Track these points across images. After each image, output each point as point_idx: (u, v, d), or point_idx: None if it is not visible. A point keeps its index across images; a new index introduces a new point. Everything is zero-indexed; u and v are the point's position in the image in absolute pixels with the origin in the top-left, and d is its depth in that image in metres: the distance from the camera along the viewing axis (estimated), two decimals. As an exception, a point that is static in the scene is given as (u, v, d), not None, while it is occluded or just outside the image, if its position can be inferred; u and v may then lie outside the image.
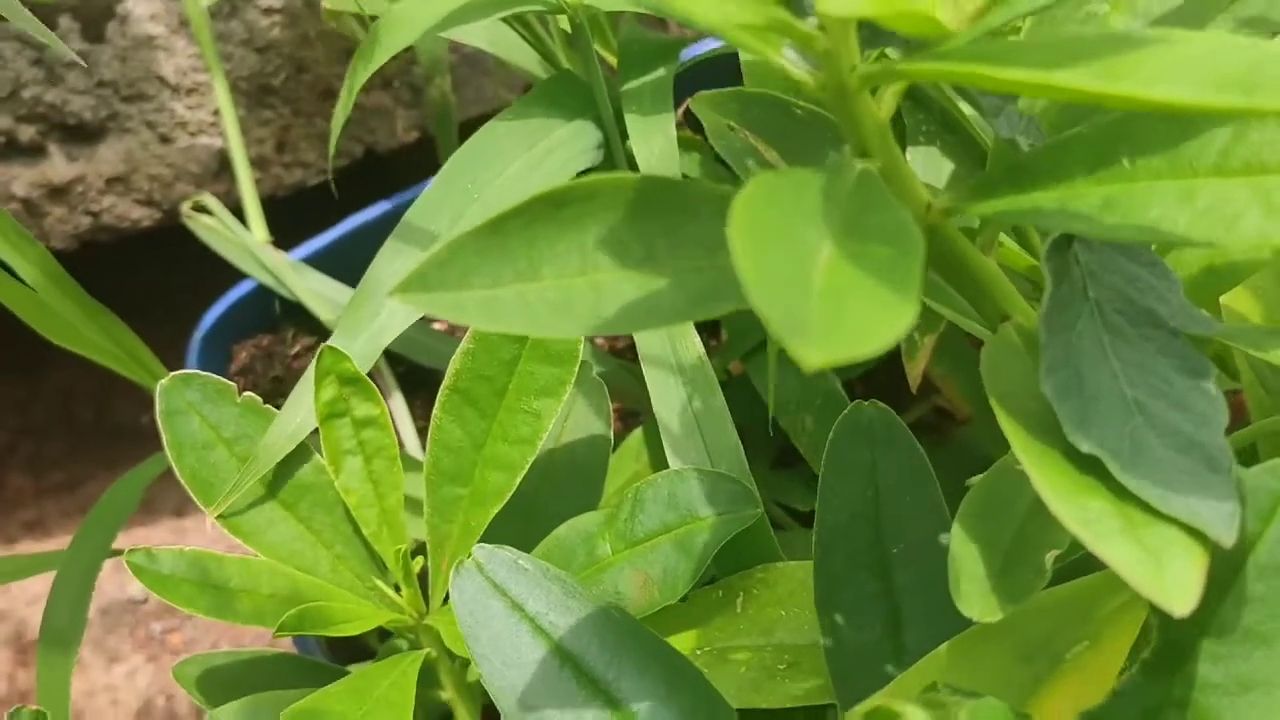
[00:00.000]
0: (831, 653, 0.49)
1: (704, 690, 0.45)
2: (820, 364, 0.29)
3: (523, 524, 0.58)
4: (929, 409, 0.78)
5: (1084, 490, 0.35)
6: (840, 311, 0.30)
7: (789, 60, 0.37)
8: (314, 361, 0.56)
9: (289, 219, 0.87)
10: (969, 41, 0.36)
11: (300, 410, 0.57)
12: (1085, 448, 0.35)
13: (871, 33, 0.39)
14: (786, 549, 0.64)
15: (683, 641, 0.55)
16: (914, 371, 0.64)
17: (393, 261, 0.61)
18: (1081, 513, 0.34)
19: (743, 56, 0.57)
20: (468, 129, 0.67)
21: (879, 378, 0.75)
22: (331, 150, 0.63)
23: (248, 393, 0.59)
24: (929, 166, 0.65)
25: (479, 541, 0.55)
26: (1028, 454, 0.35)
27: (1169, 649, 0.38)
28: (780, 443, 0.74)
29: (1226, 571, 0.37)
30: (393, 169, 0.97)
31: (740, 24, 0.34)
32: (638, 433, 0.68)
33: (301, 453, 0.58)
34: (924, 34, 0.30)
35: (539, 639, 0.46)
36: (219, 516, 0.57)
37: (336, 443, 0.56)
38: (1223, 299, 0.55)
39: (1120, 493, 0.35)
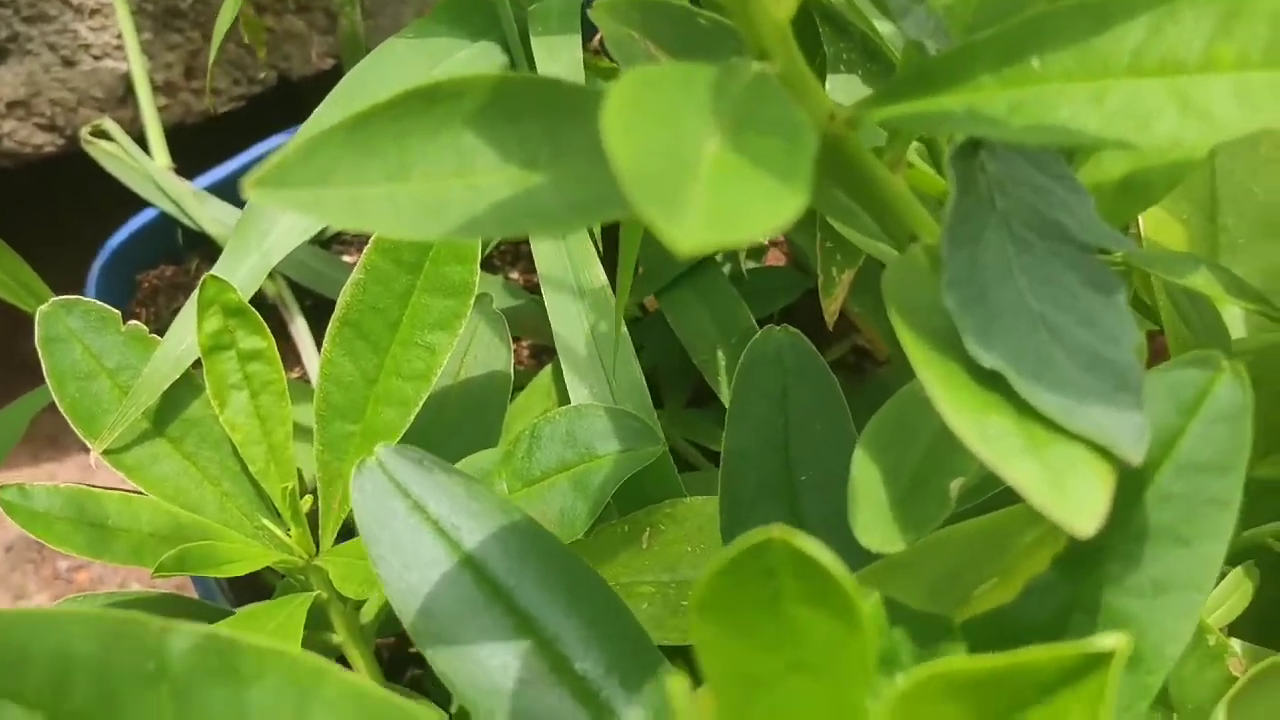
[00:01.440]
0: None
1: (608, 599, 0.43)
2: (698, 245, 0.27)
3: (420, 460, 0.56)
4: (849, 348, 0.76)
5: (986, 407, 0.33)
6: (724, 195, 0.28)
7: (680, -44, 0.35)
8: (196, 290, 0.53)
9: (200, 147, 0.84)
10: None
11: (183, 340, 0.54)
12: (988, 362, 0.33)
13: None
14: (698, 488, 0.62)
15: (585, 580, 0.53)
16: (831, 308, 0.62)
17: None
18: (982, 430, 0.32)
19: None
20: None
21: (797, 316, 0.73)
22: (208, 80, 0.59)
23: (133, 321, 0.56)
24: (849, 95, 0.63)
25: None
26: (928, 369, 0.33)
27: (1084, 547, 0.36)
28: (695, 380, 0.72)
29: (1144, 469, 0.35)
30: (308, 96, 0.93)
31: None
32: (547, 371, 0.66)
33: (189, 385, 0.56)
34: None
35: (440, 540, 0.43)
36: (104, 451, 0.55)
37: (221, 376, 0.54)
38: (1145, 229, 0.53)
39: (1024, 410, 0.33)
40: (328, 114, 0.59)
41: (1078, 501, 0.31)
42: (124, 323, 0.56)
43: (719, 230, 0.27)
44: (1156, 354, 0.63)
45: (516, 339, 0.77)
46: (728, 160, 0.29)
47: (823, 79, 0.63)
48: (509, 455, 0.53)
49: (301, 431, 0.58)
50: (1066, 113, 0.33)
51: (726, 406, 0.66)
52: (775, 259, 0.78)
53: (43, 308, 0.55)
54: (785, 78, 0.36)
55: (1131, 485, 0.34)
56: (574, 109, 0.36)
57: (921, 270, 0.38)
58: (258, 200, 0.33)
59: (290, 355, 0.76)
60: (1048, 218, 0.35)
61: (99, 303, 0.55)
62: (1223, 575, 0.47)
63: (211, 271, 0.55)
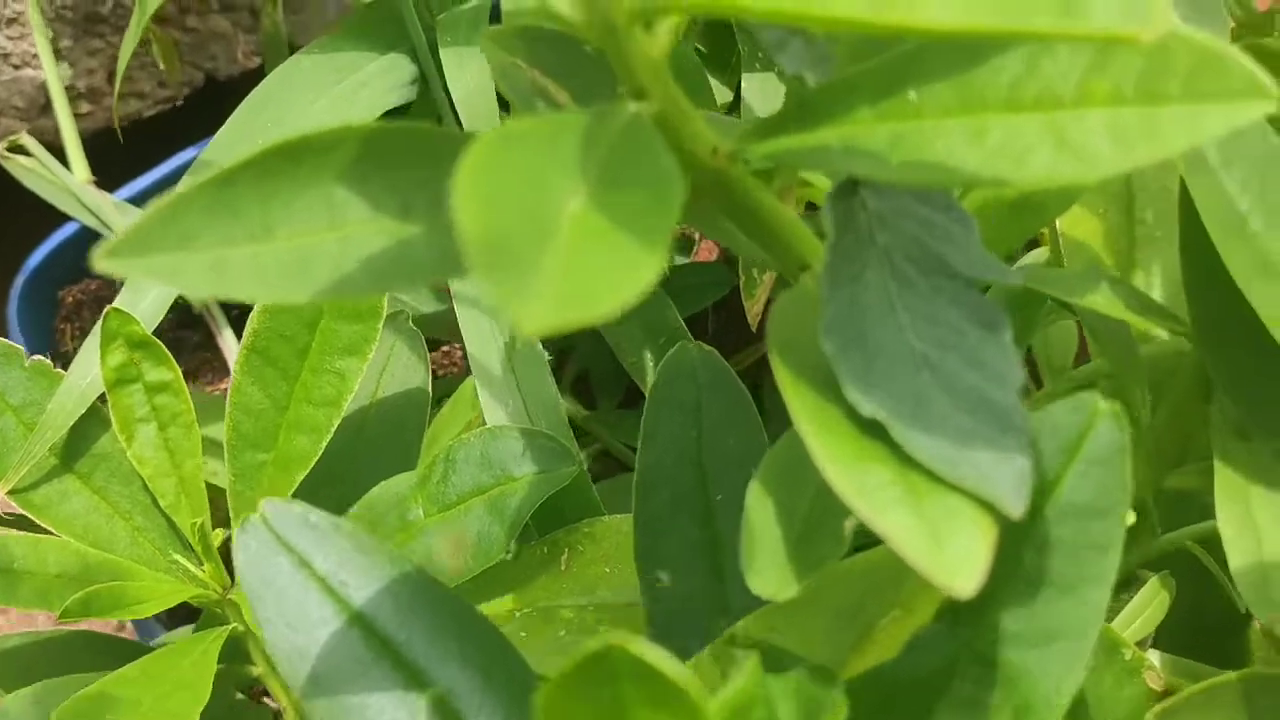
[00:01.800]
0: (651, 605, 0.47)
1: (502, 651, 0.42)
2: (546, 326, 0.26)
3: (335, 488, 0.55)
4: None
5: (865, 456, 0.32)
6: (578, 267, 0.27)
7: (550, -6, 0.34)
8: (99, 323, 0.52)
9: (130, 151, 0.83)
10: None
11: (88, 374, 0.53)
12: (866, 409, 0.32)
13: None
14: (625, 493, 0.62)
15: (505, 603, 0.53)
16: (753, 309, 0.61)
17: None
18: (860, 481, 0.32)
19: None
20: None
21: (727, 312, 0.72)
22: (118, 86, 0.58)
23: (36, 356, 0.55)
24: (766, 94, 0.62)
25: (285, 506, 0.52)
26: (806, 417, 0.32)
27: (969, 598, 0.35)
28: (627, 382, 0.71)
29: (1027, 513, 0.34)
30: (236, 95, 0.92)
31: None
32: (468, 386, 0.65)
33: (96, 420, 0.55)
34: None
35: (328, 599, 0.43)
36: (10, 490, 0.54)
37: (127, 410, 0.53)
38: (1061, 226, 0.52)
39: (905, 459, 0.32)
40: (233, 134, 0.58)
41: (956, 559, 0.30)
42: (50, 346, 0.55)
43: (573, 305, 0.26)
44: (1082, 350, 0.63)
45: (446, 343, 0.76)
46: (589, 222, 0.28)
47: (738, 77, 0.62)
48: (424, 480, 0.52)
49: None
50: (944, 148, 0.32)
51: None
52: (706, 254, 0.77)
53: (-58, 346, 0.54)
54: (662, 118, 0.35)
55: (1015, 530, 0.33)
56: (449, 156, 0.35)
57: (812, 301, 0.37)
58: (111, 271, 0.32)
59: (219, 367, 0.76)
60: (931, 252, 0.34)
61: None
62: (1141, 583, 0.46)
63: (116, 302, 0.54)
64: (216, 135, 0.57)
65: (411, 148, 0.35)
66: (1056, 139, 0.31)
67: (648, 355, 0.65)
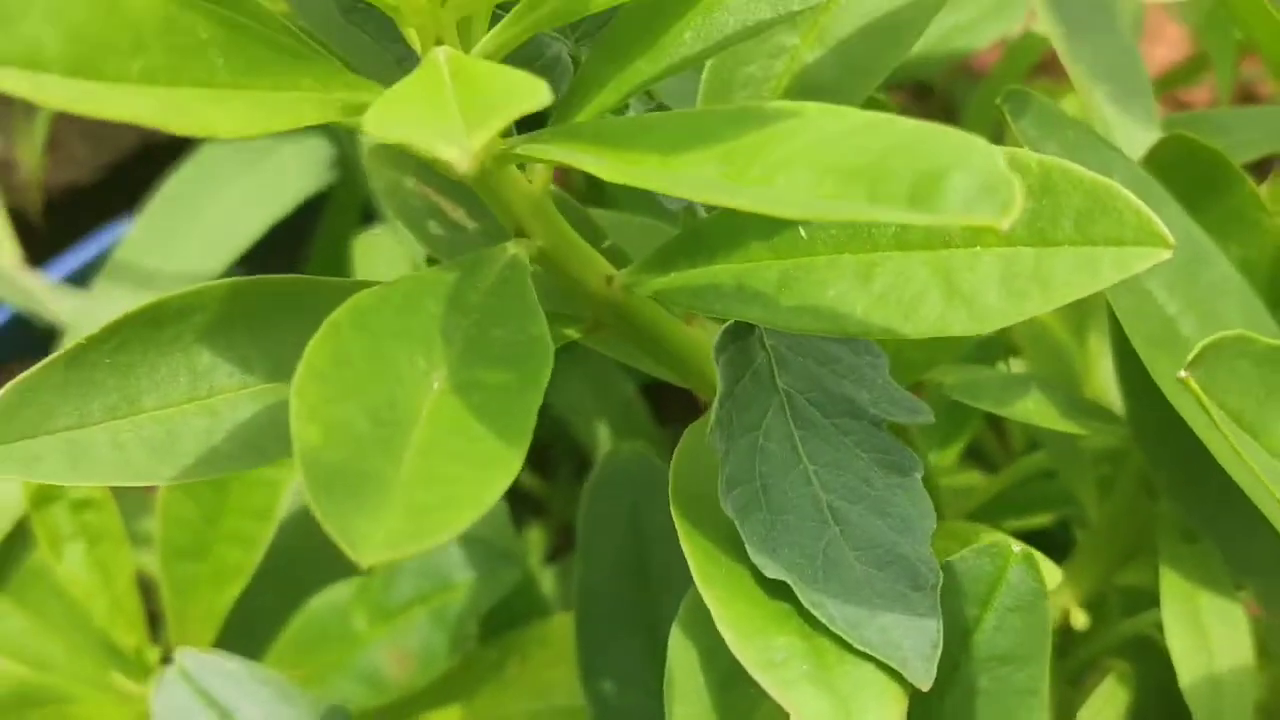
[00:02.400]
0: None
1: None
2: (390, 554, 0.24)
3: (276, 594, 0.53)
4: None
5: (771, 623, 0.30)
6: (427, 482, 0.25)
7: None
8: (16, 443, 0.50)
9: (67, 218, 0.81)
10: (602, 112, 0.31)
11: (10, 490, 0.52)
12: (771, 572, 0.30)
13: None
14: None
15: (454, 713, 0.51)
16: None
17: (101, 308, 0.55)
18: (766, 654, 0.30)
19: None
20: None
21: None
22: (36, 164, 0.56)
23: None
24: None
25: (222, 622, 0.50)
26: (708, 583, 0.31)
27: None
28: (584, 451, 0.69)
29: (946, 666, 0.32)
30: (174, 154, 0.90)
31: (317, 121, 0.29)
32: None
33: (27, 535, 0.53)
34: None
35: (252, 755, 0.41)
36: (-58, 611, 0.52)
37: (53, 529, 0.51)
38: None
39: (813, 622, 0.30)
40: (148, 227, 0.56)
41: (865, 736, 0.29)
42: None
43: (417, 534, 0.24)
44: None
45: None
46: (447, 413, 0.27)
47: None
48: (365, 588, 0.51)
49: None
50: (834, 292, 0.30)
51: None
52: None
53: None
54: (546, 254, 0.33)
55: (938, 683, 0.31)
56: (324, 306, 0.33)
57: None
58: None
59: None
60: (835, 392, 0.33)
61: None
62: (1105, 670, 0.45)
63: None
64: (130, 232, 0.55)
65: (278, 302, 0.33)
66: (945, 285, 0.29)
67: (601, 427, 0.64)
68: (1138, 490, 0.40)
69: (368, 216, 0.59)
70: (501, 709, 0.51)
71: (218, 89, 0.26)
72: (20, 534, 0.53)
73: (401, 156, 0.40)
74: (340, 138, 0.58)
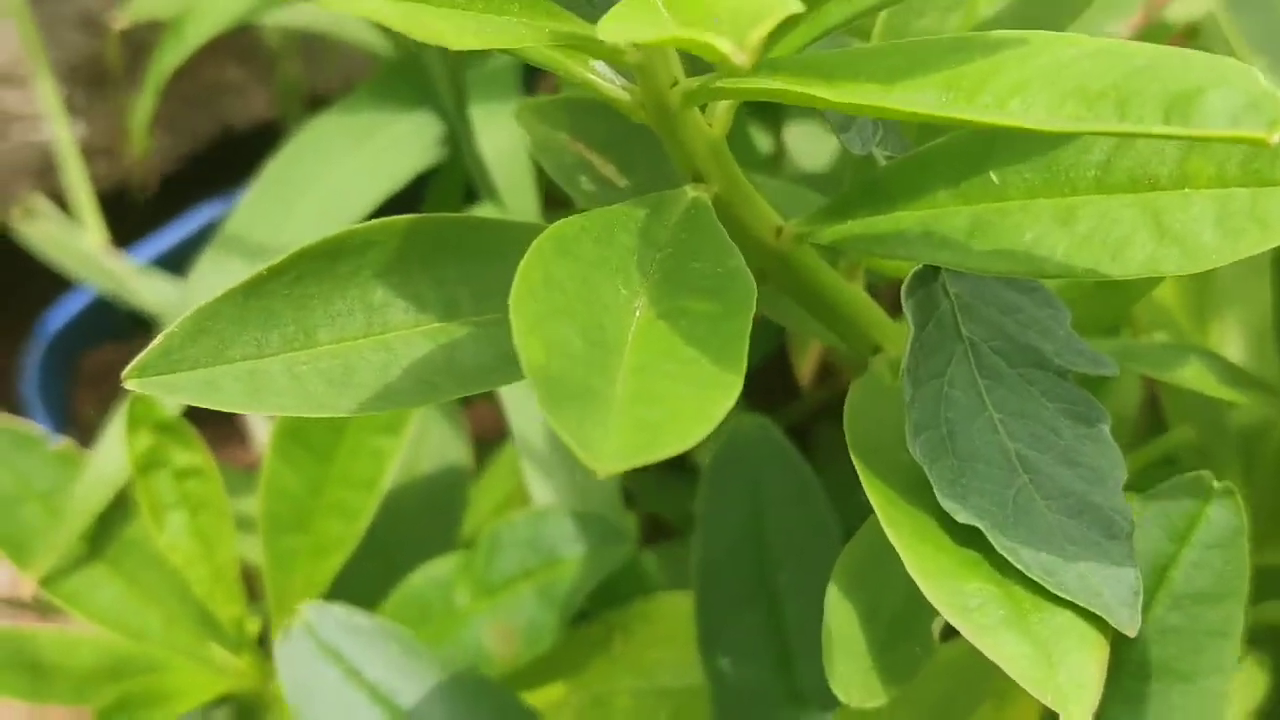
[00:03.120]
0: (716, 698, 0.44)
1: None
2: (618, 468, 0.24)
3: (376, 569, 0.53)
4: (830, 393, 0.73)
5: (962, 568, 0.30)
6: (649, 396, 0.25)
7: (600, 75, 0.32)
8: (124, 408, 0.50)
9: (144, 208, 0.81)
10: (801, 49, 0.30)
11: (113, 459, 0.51)
12: (962, 517, 0.30)
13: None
14: (679, 559, 0.59)
15: (556, 690, 0.50)
16: (803, 369, 0.59)
17: (210, 280, 0.55)
18: (960, 599, 0.29)
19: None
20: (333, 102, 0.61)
21: (776, 364, 0.70)
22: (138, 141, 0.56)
23: (61, 439, 0.53)
24: (810, 142, 0.59)
25: (323, 595, 0.49)
26: (896, 527, 0.30)
27: None
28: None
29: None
30: (254, 147, 0.90)
31: (530, 44, 0.28)
32: (510, 448, 0.63)
33: (125, 504, 0.53)
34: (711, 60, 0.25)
35: (378, 708, 0.41)
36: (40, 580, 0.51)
37: (156, 497, 0.50)
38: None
39: (1005, 568, 0.30)
40: (255, 201, 0.56)
41: (1069, 681, 0.28)
42: (69, 416, 0.53)
43: (643, 448, 0.24)
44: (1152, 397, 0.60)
45: (481, 401, 0.74)
46: (655, 338, 0.26)
47: (780, 127, 0.60)
48: (468, 563, 0.50)
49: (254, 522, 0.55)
50: (1031, 236, 0.30)
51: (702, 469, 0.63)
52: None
53: (-37, 433, 0.51)
54: (721, 200, 0.32)
55: None
56: (494, 246, 0.33)
57: (885, 391, 0.35)
58: (142, 390, 0.29)
59: (244, 434, 0.73)
60: (1020, 342, 0.32)
61: (21, 424, 0.52)
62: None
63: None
64: (241, 202, 0.55)
65: (450, 241, 0.33)
66: (1155, 226, 0.28)
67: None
68: (1285, 466, 0.40)
69: (470, 195, 0.59)
70: (607, 687, 0.50)
71: (447, 8, 0.26)
72: (119, 505, 0.52)
73: (554, 113, 0.39)
74: (448, 115, 0.58)
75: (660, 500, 0.67)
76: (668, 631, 0.51)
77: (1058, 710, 0.28)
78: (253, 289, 0.31)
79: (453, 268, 0.32)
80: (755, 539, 0.45)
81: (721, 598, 0.45)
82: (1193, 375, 0.37)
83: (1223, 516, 0.32)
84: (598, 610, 0.52)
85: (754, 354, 0.69)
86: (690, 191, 0.32)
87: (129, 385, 0.29)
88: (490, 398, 0.68)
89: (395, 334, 0.32)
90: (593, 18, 0.28)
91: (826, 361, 0.71)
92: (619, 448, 0.24)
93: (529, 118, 0.39)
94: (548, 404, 0.24)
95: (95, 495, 0.51)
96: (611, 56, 0.30)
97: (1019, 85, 0.25)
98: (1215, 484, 0.31)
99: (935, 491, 0.30)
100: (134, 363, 0.30)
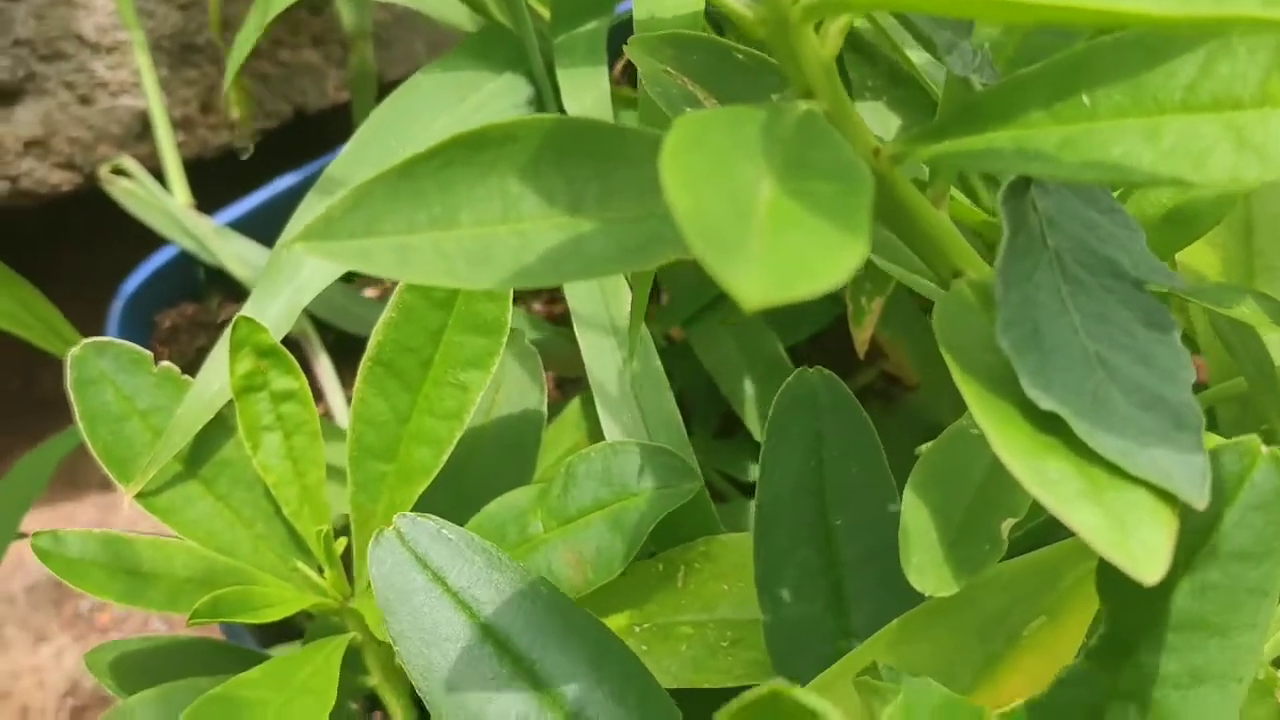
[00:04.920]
0: (771, 630, 0.47)
1: (634, 669, 0.43)
2: (762, 302, 0.26)
3: (452, 501, 0.55)
4: (877, 374, 0.76)
5: (1045, 450, 0.32)
6: (783, 247, 0.28)
7: (727, -9, 0.35)
8: (228, 331, 0.53)
9: (218, 181, 0.84)
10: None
11: (215, 382, 0.54)
12: (1045, 404, 0.33)
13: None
14: (730, 520, 0.62)
15: (622, 618, 0.53)
16: (861, 337, 0.61)
17: (310, 218, 0.58)
18: (1041, 474, 0.32)
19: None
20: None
21: (825, 342, 0.72)
22: (238, 107, 0.59)
23: (164, 362, 0.56)
24: (876, 121, 0.62)
25: (405, 517, 0.52)
26: (984, 411, 0.33)
27: (1117, 636, 0.35)
28: (723, 410, 0.72)
29: (1180, 555, 0.34)
30: (325, 129, 0.93)
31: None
32: (576, 402, 0.66)
33: (221, 426, 0.55)
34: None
35: (461, 614, 0.43)
36: (136, 495, 0.54)
37: (254, 418, 0.53)
38: (1179, 256, 0.53)
39: (1083, 452, 0.32)
40: (359, 148, 0.59)
41: (1141, 547, 0.31)
42: (154, 363, 0.55)
43: (782, 283, 0.26)
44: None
45: (553, 361, 0.77)
46: (783, 208, 0.29)
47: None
48: (544, 493, 0.53)
49: (328, 470, 0.58)
50: (1119, 150, 0.32)
51: (755, 436, 0.66)
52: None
53: (74, 350, 0.54)
54: (831, 116, 0.35)
55: (1171, 574, 0.33)
56: (622, 151, 0.36)
57: (970, 307, 0.37)
58: (305, 254, 0.32)
59: (314, 392, 0.76)
60: (1100, 254, 0.35)
61: (130, 344, 0.55)
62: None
63: (242, 312, 0.54)
64: (345, 149, 0.58)
65: (582, 143, 0.35)
66: (1236, 139, 0.31)
67: (747, 383, 0.66)
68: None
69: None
70: (671, 617, 0.52)
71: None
72: (215, 425, 0.55)
73: (661, 48, 0.42)
74: (537, 79, 0.61)
75: (710, 465, 0.70)
76: (729, 569, 0.53)
77: (1131, 571, 0.30)
78: (405, 171, 0.34)
79: (583, 167, 0.35)
80: (815, 482, 0.48)
81: (781, 536, 0.47)
82: (1248, 312, 0.40)
83: (1267, 479, 0.34)
84: (663, 549, 0.54)
85: (811, 327, 0.71)
86: (802, 105, 0.35)
87: (297, 247, 0.32)
88: (559, 362, 0.71)
89: (529, 223, 0.34)
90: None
91: (876, 346, 0.73)
92: (761, 286, 0.26)
93: (639, 51, 0.42)
94: (698, 246, 0.27)
95: (196, 415, 0.54)
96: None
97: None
98: (1262, 448, 0.34)
99: (1021, 381, 0.33)
100: (302, 229, 0.32)
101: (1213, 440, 0.35)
